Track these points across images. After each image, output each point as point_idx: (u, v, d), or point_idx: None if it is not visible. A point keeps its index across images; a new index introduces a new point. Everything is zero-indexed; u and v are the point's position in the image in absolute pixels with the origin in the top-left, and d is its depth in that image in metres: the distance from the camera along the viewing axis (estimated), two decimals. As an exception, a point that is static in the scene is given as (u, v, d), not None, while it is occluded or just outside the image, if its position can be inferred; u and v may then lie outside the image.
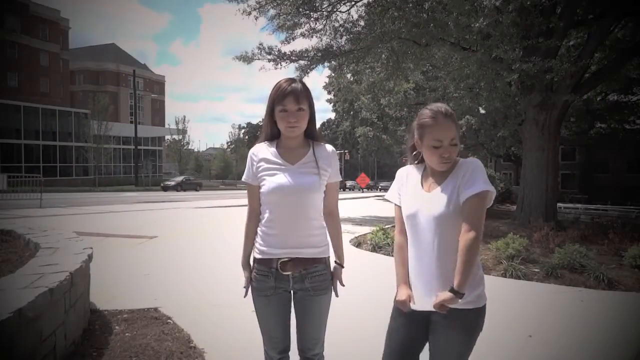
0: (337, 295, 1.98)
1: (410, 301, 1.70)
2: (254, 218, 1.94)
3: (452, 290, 1.55)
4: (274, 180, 1.81)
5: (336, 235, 1.97)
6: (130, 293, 4.39)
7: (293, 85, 1.82)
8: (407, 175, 1.85)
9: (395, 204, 1.85)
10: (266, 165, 1.85)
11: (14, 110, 35.09)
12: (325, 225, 1.93)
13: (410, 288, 1.74)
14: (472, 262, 1.56)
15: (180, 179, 37.74)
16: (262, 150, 1.90)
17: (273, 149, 1.88)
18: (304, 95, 1.81)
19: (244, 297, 1.96)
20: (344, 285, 1.98)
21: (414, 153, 1.83)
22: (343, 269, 1.99)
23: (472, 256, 1.56)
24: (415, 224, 1.72)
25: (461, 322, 1.63)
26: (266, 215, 1.86)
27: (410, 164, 1.90)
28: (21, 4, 41.38)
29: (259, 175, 1.86)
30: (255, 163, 1.89)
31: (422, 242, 1.70)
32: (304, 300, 1.87)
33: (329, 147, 1.95)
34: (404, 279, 1.77)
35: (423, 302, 1.68)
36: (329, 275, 1.92)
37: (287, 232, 1.82)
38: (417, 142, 1.76)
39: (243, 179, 1.93)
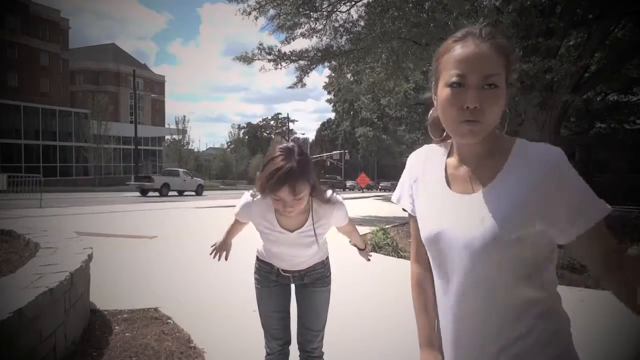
0: (368, 259, 2.26)
1: None
2: (236, 232, 2.10)
3: None
4: (273, 243, 1.87)
5: (349, 233, 2.08)
6: (130, 293, 4.39)
7: (288, 170, 1.53)
8: (424, 162, 1.08)
9: (409, 213, 1.13)
10: (265, 225, 1.83)
11: (14, 110, 35.10)
12: (325, 241, 2.03)
13: (440, 353, 1.05)
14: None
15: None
16: (261, 207, 1.80)
17: (271, 215, 1.80)
18: (302, 181, 1.58)
19: (210, 253, 2.18)
20: (369, 259, 2.27)
21: (431, 122, 1.08)
22: (365, 250, 2.23)
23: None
24: (443, 253, 0.97)
25: None
26: (264, 246, 1.97)
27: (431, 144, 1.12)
28: (21, 4, 41.40)
29: (257, 227, 1.89)
30: (253, 215, 1.84)
31: (456, 284, 0.95)
32: (304, 292, 1.96)
33: (331, 202, 1.79)
34: (429, 337, 1.08)
35: None
36: (327, 272, 2.01)
37: (286, 263, 1.94)
38: (434, 97, 0.99)
39: (235, 214, 1.93)
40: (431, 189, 1.04)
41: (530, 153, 0.91)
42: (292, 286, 2.01)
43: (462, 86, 0.89)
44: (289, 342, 1.97)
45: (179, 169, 29.98)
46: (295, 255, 1.88)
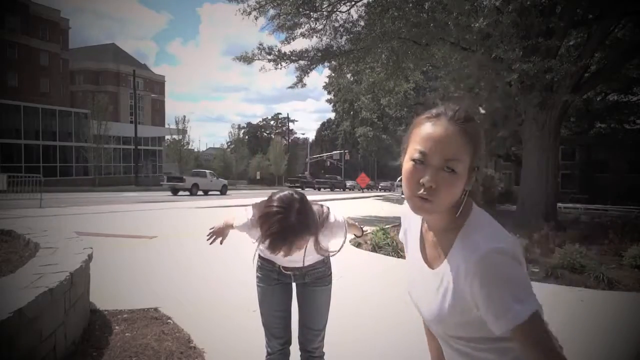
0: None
1: None
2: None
3: None
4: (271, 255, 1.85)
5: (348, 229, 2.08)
6: (130, 293, 4.39)
7: (285, 233, 1.45)
8: (409, 216, 1.13)
9: None
10: (264, 246, 1.70)
11: (14, 110, 35.07)
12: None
13: None
14: None
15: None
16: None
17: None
18: (301, 238, 1.51)
19: (207, 237, 2.16)
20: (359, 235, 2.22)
21: None
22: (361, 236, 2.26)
23: None
24: (420, 312, 1.06)
25: None
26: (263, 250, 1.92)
27: None
28: (21, 4, 41.38)
29: (257, 243, 1.68)
30: (252, 235, 1.76)
31: (441, 341, 1.05)
32: (305, 291, 1.97)
33: (330, 223, 1.78)
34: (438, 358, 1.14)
35: None
36: (328, 272, 2.01)
37: (287, 261, 1.92)
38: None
39: (235, 225, 1.93)
40: (411, 248, 1.10)
41: (468, 242, 0.92)
42: (294, 285, 2.01)
43: (423, 163, 0.91)
44: (289, 342, 1.98)
45: (206, 171, 32.13)
46: (295, 260, 1.88)
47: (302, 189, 44.99)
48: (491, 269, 0.86)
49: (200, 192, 27.80)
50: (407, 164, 0.94)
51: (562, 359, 0.91)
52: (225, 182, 31.59)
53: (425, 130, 0.93)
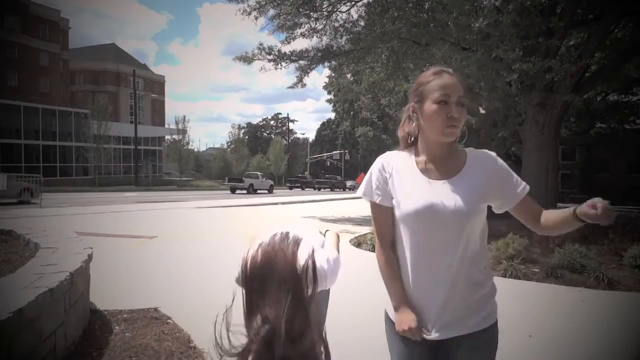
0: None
1: (419, 329, 1.37)
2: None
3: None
4: None
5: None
6: (130, 293, 4.39)
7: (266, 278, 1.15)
8: (392, 164, 1.45)
9: (376, 203, 1.44)
10: None
11: (14, 110, 35.06)
12: None
13: (411, 312, 1.39)
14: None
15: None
16: None
17: None
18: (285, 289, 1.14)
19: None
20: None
21: (404, 135, 1.48)
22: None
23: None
24: (429, 221, 1.34)
25: (485, 341, 1.39)
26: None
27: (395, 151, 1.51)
28: (21, 4, 41.37)
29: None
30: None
31: (441, 244, 1.35)
32: None
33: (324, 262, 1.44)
34: (404, 298, 1.41)
35: (439, 325, 1.36)
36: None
37: None
38: (413, 114, 1.42)
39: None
40: (408, 179, 1.41)
41: (481, 157, 1.42)
42: None
43: (447, 103, 1.33)
44: None
45: (257, 172, 38.20)
46: None
47: (302, 189, 44.99)
48: (502, 162, 1.42)
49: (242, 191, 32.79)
50: (432, 107, 1.35)
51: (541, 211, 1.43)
52: (272, 182, 37.16)
53: (441, 81, 1.36)
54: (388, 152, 1.50)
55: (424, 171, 1.41)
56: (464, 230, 1.33)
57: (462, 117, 1.35)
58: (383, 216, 1.45)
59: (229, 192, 32.88)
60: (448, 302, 1.35)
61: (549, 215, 1.40)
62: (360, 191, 1.48)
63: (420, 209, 1.35)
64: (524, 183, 1.42)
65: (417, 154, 1.45)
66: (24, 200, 16.39)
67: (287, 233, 1.32)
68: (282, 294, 1.16)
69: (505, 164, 1.42)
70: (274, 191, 36.64)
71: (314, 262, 1.23)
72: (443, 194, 1.35)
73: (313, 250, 1.28)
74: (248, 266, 1.26)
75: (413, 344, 1.40)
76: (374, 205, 1.47)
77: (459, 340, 1.36)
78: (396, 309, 1.43)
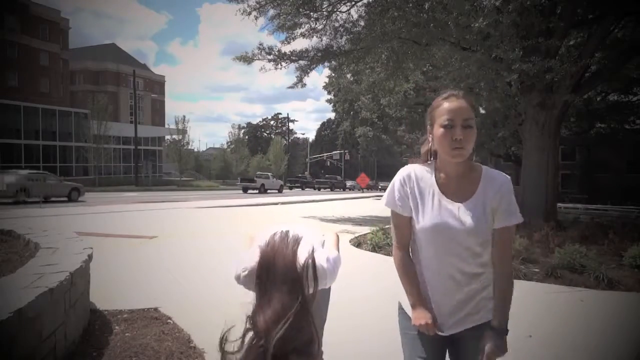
0: None
1: (434, 325, 1.52)
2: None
3: (495, 329, 1.46)
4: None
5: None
6: (130, 293, 4.39)
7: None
8: (416, 178, 1.58)
9: (397, 212, 1.57)
10: None
11: (14, 110, 35.05)
12: None
13: (427, 309, 1.54)
14: (511, 298, 1.49)
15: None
16: None
17: None
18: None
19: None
20: None
21: (425, 150, 1.61)
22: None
23: (511, 291, 1.50)
24: (446, 237, 1.50)
25: (485, 331, 1.51)
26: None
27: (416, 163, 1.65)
28: (21, 4, 41.34)
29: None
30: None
31: (456, 255, 1.50)
32: None
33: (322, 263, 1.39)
34: (419, 297, 1.55)
35: (451, 322, 1.56)
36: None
37: None
38: (429, 135, 1.55)
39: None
40: (428, 198, 1.54)
41: (495, 179, 1.53)
42: None
43: (452, 127, 1.45)
44: None
45: (268, 173, 39.95)
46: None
47: (302, 189, 45.00)
48: (511, 188, 1.51)
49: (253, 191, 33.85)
50: (439, 130, 1.47)
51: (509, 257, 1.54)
52: (282, 182, 38.73)
53: (447, 106, 1.48)
54: (410, 166, 1.62)
55: (443, 191, 1.54)
56: (478, 246, 1.50)
57: (469, 138, 1.45)
58: (402, 223, 1.59)
59: (240, 191, 33.85)
60: (462, 304, 1.53)
61: (496, 281, 1.52)
62: (383, 201, 1.62)
63: (436, 227, 1.51)
64: (517, 215, 1.51)
65: (437, 170, 1.57)
66: (72, 199, 19.57)
67: (287, 232, 1.35)
68: (283, 293, 1.17)
69: (512, 191, 1.53)
70: (284, 191, 37.80)
71: (314, 261, 1.27)
72: (458, 215, 1.50)
73: (313, 249, 1.32)
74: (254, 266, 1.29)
75: (426, 336, 1.56)
76: (394, 213, 1.60)
77: (464, 332, 1.55)
78: (413, 306, 1.56)
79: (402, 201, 1.57)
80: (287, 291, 1.18)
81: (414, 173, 1.58)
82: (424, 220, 1.53)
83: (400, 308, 1.69)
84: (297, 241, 1.30)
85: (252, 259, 1.33)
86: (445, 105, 1.47)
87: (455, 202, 1.51)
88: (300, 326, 1.14)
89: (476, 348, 1.51)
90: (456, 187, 1.53)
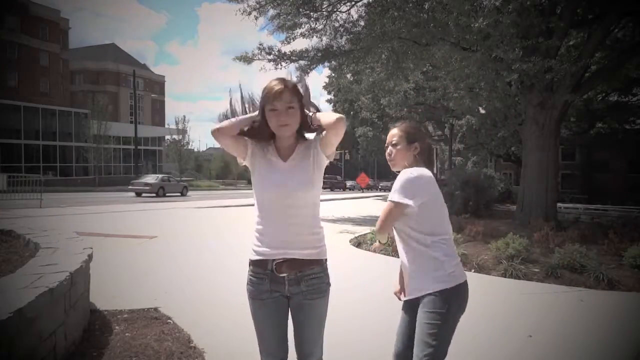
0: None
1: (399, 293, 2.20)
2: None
3: None
4: (265, 185, 1.82)
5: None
6: (130, 293, 4.39)
7: (284, 79, 1.80)
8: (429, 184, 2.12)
9: (410, 205, 1.99)
10: (261, 160, 1.90)
11: (14, 110, 35.09)
12: (321, 225, 1.88)
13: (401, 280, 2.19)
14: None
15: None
16: (259, 145, 1.93)
17: (271, 147, 1.90)
18: (295, 91, 1.79)
19: None
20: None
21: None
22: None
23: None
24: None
25: (431, 306, 1.93)
26: (258, 213, 1.85)
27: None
28: (21, 4, 41.35)
29: (252, 163, 1.93)
30: (251, 149, 1.94)
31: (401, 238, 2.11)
32: (300, 305, 1.81)
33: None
34: (400, 271, 2.20)
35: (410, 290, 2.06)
36: (325, 279, 1.86)
37: (280, 233, 1.79)
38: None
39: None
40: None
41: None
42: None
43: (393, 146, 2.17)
44: (285, 358, 1.87)
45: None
46: (290, 206, 1.77)
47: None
48: (401, 177, 2.00)
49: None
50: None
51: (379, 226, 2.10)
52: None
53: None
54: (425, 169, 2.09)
55: None
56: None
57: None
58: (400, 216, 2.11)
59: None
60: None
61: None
62: (409, 199, 2.03)
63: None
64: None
65: None
66: (183, 194, 26.04)
67: None
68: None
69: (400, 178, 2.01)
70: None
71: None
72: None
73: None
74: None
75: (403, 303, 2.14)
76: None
77: (420, 299, 1.98)
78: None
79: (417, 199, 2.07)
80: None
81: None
82: (439, 218, 2.14)
83: None
84: None
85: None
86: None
87: None
88: None
89: (421, 319, 2.01)
90: None
